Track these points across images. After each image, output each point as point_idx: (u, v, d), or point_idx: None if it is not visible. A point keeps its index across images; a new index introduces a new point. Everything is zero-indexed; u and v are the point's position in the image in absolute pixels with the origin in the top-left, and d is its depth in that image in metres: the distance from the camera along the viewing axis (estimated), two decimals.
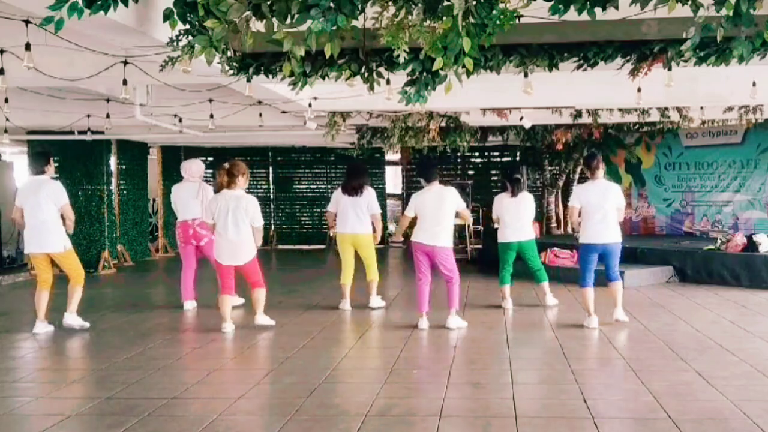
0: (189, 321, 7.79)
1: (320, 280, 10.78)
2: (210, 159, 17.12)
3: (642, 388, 4.93)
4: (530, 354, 6.06)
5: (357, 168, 8.44)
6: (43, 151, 7.92)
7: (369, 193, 8.15)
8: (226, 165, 7.06)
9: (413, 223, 7.24)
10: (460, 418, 4.38)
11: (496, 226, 8.38)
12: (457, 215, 7.27)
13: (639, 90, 6.96)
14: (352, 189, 8.07)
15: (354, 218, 8.04)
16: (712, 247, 10.21)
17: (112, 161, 13.28)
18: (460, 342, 6.48)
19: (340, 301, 8.28)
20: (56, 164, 12.25)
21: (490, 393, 4.96)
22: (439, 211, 6.96)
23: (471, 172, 16.57)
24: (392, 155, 16.54)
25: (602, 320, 7.28)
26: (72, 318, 7.21)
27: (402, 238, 8.00)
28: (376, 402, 4.69)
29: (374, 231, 8.25)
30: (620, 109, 9.94)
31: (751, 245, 9.79)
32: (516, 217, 8.07)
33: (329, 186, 16.91)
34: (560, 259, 10.42)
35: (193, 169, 8.48)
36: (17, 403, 4.86)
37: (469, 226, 12.73)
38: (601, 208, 6.89)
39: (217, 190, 7.17)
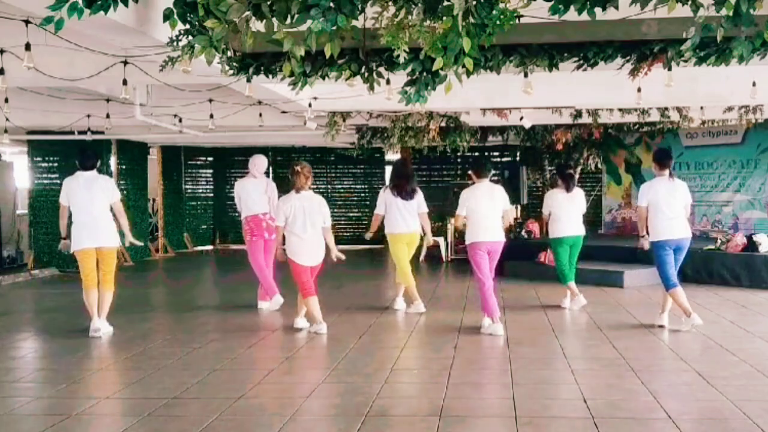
0: (189, 321, 7.78)
1: (320, 280, 10.75)
2: (210, 159, 17.15)
3: (642, 388, 4.93)
4: (530, 354, 6.06)
5: (409, 171, 8.22)
6: (91, 148, 7.93)
7: (419, 194, 8.07)
8: (298, 167, 6.96)
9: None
10: (460, 418, 4.38)
11: (546, 220, 8.41)
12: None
13: (639, 90, 6.95)
14: (407, 194, 7.95)
15: (409, 218, 7.95)
16: (712, 247, 10.20)
17: (112, 161, 13.29)
18: (460, 342, 6.48)
19: (410, 305, 8.08)
20: (57, 164, 12.50)
21: (490, 393, 4.96)
22: (493, 206, 6.94)
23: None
24: (392, 155, 16.54)
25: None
26: (105, 324, 7.03)
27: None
28: (376, 402, 4.69)
29: (423, 230, 8.09)
30: (620, 109, 9.94)
31: (751, 245, 9.78)
32: (570, 212, 8.15)
33: (329, 186, 16.91)
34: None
35: (260, 164, 8.38)
36: (17, 403, 4.86)
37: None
38: (671, 204, 6.79)
39: (297, 192, 6.97)
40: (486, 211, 6.91)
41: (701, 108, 9.96)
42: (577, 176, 14.05)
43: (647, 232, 6.92)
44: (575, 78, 6.25)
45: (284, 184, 12.06)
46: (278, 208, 6.99)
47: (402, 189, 7.95)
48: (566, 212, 8.15)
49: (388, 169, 17.34)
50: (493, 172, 7.22)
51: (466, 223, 7.02)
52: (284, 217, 6.85)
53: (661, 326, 6.91)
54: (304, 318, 7.14)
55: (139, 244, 7.41)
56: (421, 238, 8.19)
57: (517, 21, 3.79)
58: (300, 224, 6.83)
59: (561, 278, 8.26)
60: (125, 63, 5.76)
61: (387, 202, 8.03)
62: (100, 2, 3.63)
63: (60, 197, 7.08)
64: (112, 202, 7.04)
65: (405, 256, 8.06)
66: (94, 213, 6.91)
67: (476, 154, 16.15)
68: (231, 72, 5.31)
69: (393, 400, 4.77)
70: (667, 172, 6.88)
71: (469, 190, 7.11)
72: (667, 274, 6.79)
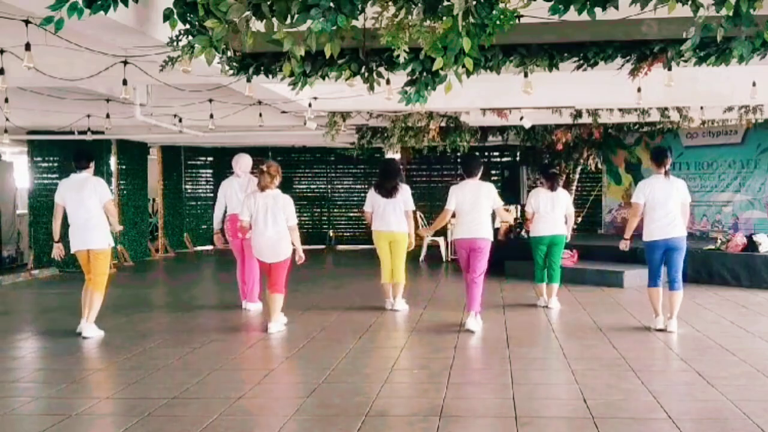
0: (189, 321, 7.78)
1: (320, 280, 10.78)
2: (210, 159, 17.14)
3: (642, 388, 4.93)
4: (530, 354, 6.06)
5: (391, 168, 8.24)
6: (85, 149, 7.89)
7: (404, 192, 8.05)
8: (264, 167, 7.00)
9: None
10: (460, 418, 4.38)
11: (528, 220, 8.40)
12: (494, 215, 7.18)
13: (639, 90, 6.95)
14: (387, 192, 7.97)
15: (392, 217, 7.98)
16: (712, 247, 10.20)
17: (112, 161, 13.27)
18: (460, 342, 6.48)
19: (385, 301, 8.20)
20: (57, 164, 12.50)
21: (490, 393, 4.96)
22: (477, 204, 6.99)
23: None
24: (392, 155, 16.54)
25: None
26: (91, 329, 6.89)
27: (430, 233, 7.57)
28: (376, 402, 4.69)
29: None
30: (620, 109, 9.94)
31: (751, 245, 9.79)
32: (551, 211, 8.15)
33: (329, 186, 16.91)
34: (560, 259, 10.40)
35: (243, 163, 8.41)
36: (17, 403, 4.86)
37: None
38: (665, 204, 6.74)
39: (262, 190, 7.02)
40: (468, 208, 6.98)
41: (701, 108, 9.96)
42: (577, 176, 14.28)
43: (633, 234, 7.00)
44: (575, 78, 6.25)
45: (283, 185, 12.03)
46: (244, 204, 7.10)
47: (382, 188, 8.02)
48: (548, 212, 8.16)
49: None
50: (481, 169, 7.26)
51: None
52: (248, 212, 6.97)
53: (669, 331, 6.74)
54: (279, 323, 7.08)
55: (111, 245, 7.27)
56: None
57: (517, 21, 3.79)
58: (261, 221, 6.91)
59: (534, 277, 8.31)
60: (125, 63, 5.76)
61: (374, 201, 8.13)
62: (100, 2, 3.63)
63: (56, 196, 7.07)
64: (104, 203, 6.96)
65: (385, 253, 8.11)
66: (85, 215, 6.86)
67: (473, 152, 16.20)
68: (231, 72, 5.31)
69: (393, 400, 4.77)
70: (663, 170, 6.85)
71: (457, 186, 7.24)
72: (650, 273, 6.92)
